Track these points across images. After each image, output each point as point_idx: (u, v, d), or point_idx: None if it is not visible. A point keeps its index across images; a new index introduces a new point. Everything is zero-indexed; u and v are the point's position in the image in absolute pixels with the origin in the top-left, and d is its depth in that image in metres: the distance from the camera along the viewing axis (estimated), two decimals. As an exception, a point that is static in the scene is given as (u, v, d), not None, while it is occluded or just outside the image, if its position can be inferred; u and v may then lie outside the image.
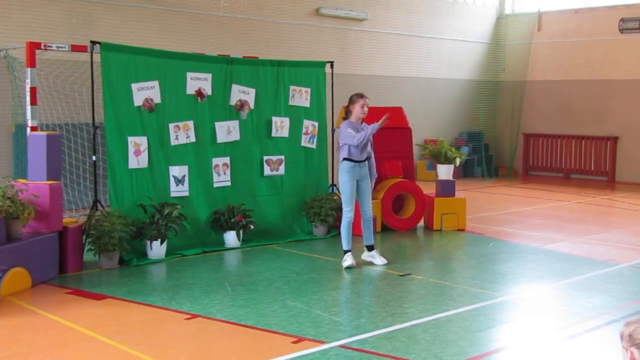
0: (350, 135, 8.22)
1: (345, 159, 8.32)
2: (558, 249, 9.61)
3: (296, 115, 10.37)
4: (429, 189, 11.49)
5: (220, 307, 6.71)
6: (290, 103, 10.32)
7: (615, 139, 17.87)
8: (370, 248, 8.53)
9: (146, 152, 8.93)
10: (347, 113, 8.49)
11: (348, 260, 8.30)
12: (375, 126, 8.19)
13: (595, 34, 18.08)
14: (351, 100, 8.42)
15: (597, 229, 11.17)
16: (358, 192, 8.41)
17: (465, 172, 18.22)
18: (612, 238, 10.40)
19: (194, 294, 7.18)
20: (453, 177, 11.17)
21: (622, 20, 17.52)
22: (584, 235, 10.58)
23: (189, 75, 9.34)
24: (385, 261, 8.45)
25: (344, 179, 8.34)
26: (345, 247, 8.39)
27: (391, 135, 10.71)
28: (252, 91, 9.91)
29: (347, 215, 8.36)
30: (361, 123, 8.43)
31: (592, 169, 18.29)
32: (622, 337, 2.96)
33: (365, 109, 8.36)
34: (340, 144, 8.41)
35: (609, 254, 9.26)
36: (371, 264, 8.48)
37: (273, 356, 5.44)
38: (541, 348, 5.82)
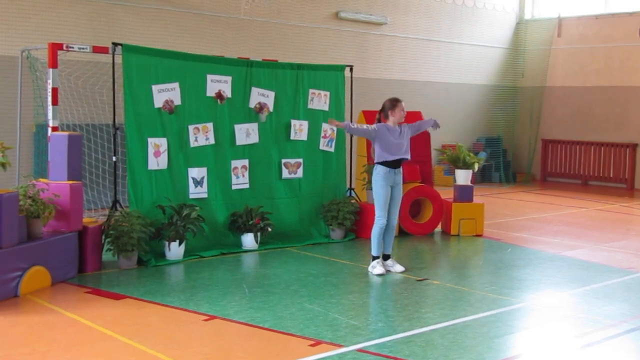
0: (361, 127, 8.52)
1: (379, 163, 8.22)
2: (576, 256, 9.56)
3: (315, 119, 10.38)
4: (446, 194, 11.47)
5: (237, 309, 6.73)
6: (309, 106, 10.34)
7: (634, 146, 17.73)
8: (386, 257, 8.50)
9: (166, 154, 8.98)
10: (379, 120, 8.34)
11: (379, 268, 8.25)
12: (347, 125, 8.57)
13: (615, 40, 17.96)
14: (388, 106, 8.27)
15: (616, 236, 11.09)
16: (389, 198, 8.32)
17: (483, 177, 18.14)
18: (631, 246, 10.32)
19: (212, 295, 7.21)
20: (471, 182, 11.14)
21: (643, 26, 17.41)
22: (602, 242, 10.52)
23: (209, 77, 9.38)
24: (402, 268, 8.41)
25: (378, 185, 8.24)
26: (374, 253, 8.34)
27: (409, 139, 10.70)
28: (272, 94, 9.94)
29: (380, 221, 8.26)
30: (398, 126, 8.32)
31: (611, 175, 18.17)
32: None
33: (404, 111, 8.34)
34: (374, 144, 8.34)
35: (628, 262, 9.19)
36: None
37: (290, 359, 5.46)
38: (559, 355, 5.79)
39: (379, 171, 8.26)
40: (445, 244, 10.44)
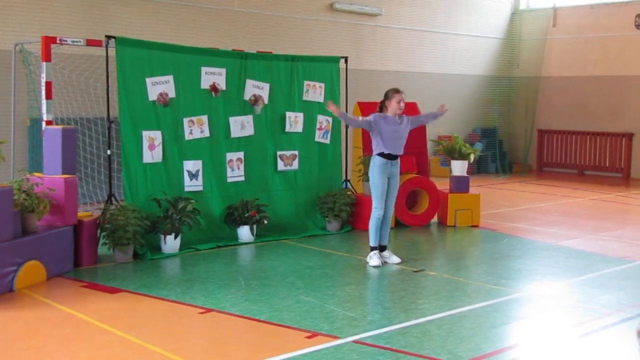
0: (357, 119, 8.51)
1: (378, 154, 8.21)
2: (572, 245, 9.57)
3: (310, 111, 10.35)
4: (442, 185, 11.46)
5: (233, 302, 6.72)
6: (304, 98, 10.31)
7: (630, 136, 17.75)
8: (382, 248, 8.49)
9: (160, 147, 8.95)
10: (381, 108, 8.33)
11: (375, 259, 8.24)
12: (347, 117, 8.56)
13: (611, 30, 17.95)
14: (387, 96, 8.28)
15: (611, 225, 11.10)
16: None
17: (479, 168, 18.15)
18: (627, 235, 10.33)
19: (208, 288, 7.19)
20: (467, 173, 11.13)
21: (638, 15, 17.37)
22: (598, 232, 10.53)
23: (204, 70, 9.34)
24: (399, 260, 8.40)
25: (375, 175, 8.23)
26: (372, 244, 8.32)
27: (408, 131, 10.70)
28: (266, 86, 9.91)
29: (377, 212, 8.24)
30: (398, 117, 8.29)
31: (607, 165, 18.19)
32: (638, 334, 2.95)
33: (402, 104, 8.23)
34: (371, 135, 8.31)
35: (623, 251, 9.21)
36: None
37: (287, 351, 5.45)
38: (556, 345, 5.80)
39: (375, 162, 8.24)
40: (441, 235, 10.44)
